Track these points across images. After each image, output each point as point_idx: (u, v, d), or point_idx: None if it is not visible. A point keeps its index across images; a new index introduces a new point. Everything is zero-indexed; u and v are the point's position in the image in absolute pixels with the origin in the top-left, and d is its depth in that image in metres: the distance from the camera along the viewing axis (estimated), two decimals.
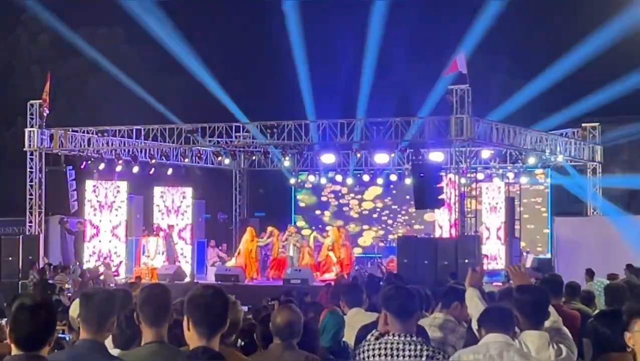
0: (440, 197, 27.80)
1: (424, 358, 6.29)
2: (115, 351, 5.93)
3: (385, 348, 6.42)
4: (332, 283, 26.88)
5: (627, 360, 6.39)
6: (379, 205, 37.36)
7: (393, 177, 34.45)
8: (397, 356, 6.35)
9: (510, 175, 32.96)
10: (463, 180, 28.31)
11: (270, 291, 23.74)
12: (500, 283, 24.56)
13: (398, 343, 6.38)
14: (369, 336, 7.00)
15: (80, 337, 5.59)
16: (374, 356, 6.46)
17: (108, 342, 6.01)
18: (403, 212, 36.93)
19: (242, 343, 9.27)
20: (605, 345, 6.53)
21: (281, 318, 6.90)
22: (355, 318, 8.76)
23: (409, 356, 6.32)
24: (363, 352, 6.60)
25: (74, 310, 6.86)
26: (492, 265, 30.53)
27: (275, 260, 31.87)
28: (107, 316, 5.56)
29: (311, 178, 36.57)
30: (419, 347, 6.33)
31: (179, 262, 32.43)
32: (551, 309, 6.86)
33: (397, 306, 6.50)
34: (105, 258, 31.60)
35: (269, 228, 32.46)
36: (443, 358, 6.30)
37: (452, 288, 8.89)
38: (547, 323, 6.73)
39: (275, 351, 6.94)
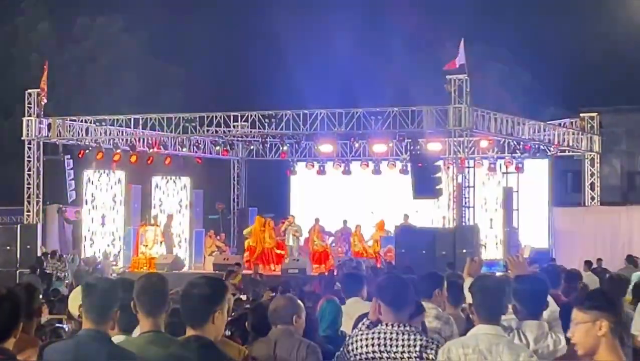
0: (438, 187, 27.82)
1: (417, 348, 6.25)
2: (121, 337, 5.93)
3: (378, 338, 6.38)
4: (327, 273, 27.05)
5: None
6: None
7: (391, 167, 34.42)
8: (390, 346, 6.32)
9: (509, 165, 32.90)
10: (461, 170, 28.31)
11: (268, 281, 23.79)
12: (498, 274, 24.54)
13: (391, 333, 6.34)
14: (359, 325, 6.99)
15: (82, 327, 5.60)
16: (366, 346, 6.43)
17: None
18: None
19: (238, 333, 9.27)
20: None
21: (273, 305, 7.02)
22: (354, 308, 8.74)
23: (402, 346, 6.28)
24: (354, 342, 6.57)
25: (74, 299, 6.86)
26: (490, 255, 30.53)
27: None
28: (110, 306, 5.57)
29: (309, 167, 36.47)
30: (412, 337, 6.30)
31: (175, 248, 32.43)
32: (550, 299, 6.86)
33: (390, 295, 6.48)
34: (107, 247, 31.64)
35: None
36: (437, 348, 6.25)
37: (428, 275, 8.86)
38: (546, 313, 6.72)
39: (272, 337, 7.00)
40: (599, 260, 25.84)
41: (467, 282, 7.87)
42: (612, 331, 4.94)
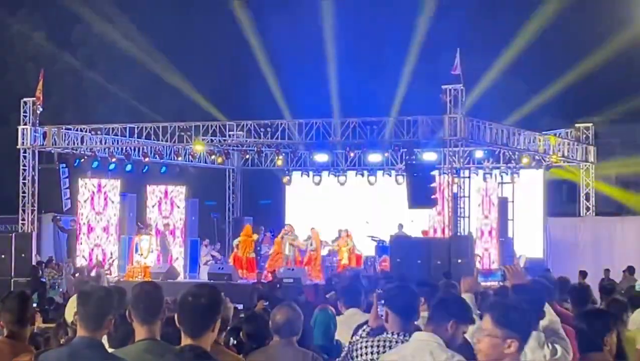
0: (433, 196, 27.84)
1: None
2: (109, 351, 5.92)
3: (383, 346, 6.38)
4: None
5: (605, 359, 6.39)
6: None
7: (387, 177, 34.45)
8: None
9: (504, 175, 32.92)
10: (456, 180, 28.33)
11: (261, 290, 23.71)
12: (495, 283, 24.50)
13: (397, 342, 6.34)
14: (360, 332, 6.97)
15: (77, 334, 5.60)
16: (371, 353, 6.43)
17: (103, 341, 6.01)
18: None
19: (235, 342, 9.26)
20: (586, 345, 6.49)
21: (281, 316, 6.89)
22: (353, 319, 8.70)
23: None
24: (358, 349, 6.56)
25: (71, 306, 6.86)
26: (485, 264, 30.53)
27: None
28: (105, 314, 5.57)
29: (304, 177, 36.44)
30: None
31: (172, 257, 32.39)
32: (549, 309, 6.84)
33: (400, 305, 6.48)
34: (106, 257, 31.59)
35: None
36: None
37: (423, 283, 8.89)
38: (545, 323, 6.70)
39: (274, 348, 6.93)
40: (607, 270, 25.81)
41: (465, 297, 7.86)
42: (519, 350, 5.07)
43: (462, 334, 6.11)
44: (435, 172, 28.61)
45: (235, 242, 32.57)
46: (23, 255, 29.30)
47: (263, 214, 38.43)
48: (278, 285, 24.21)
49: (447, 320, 6.07)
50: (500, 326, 5.04)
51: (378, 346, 6.42)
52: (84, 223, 31.72)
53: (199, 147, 32.04)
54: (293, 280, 28.08)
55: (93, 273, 28.70)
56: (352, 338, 7.25)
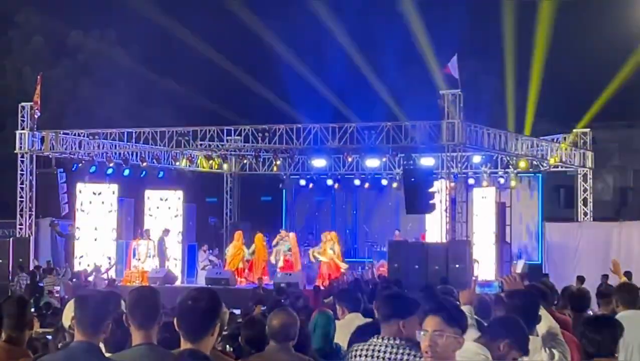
0: (431, 202, 27.83)
1: None
2: (106, 355, 5.92)
3: (368, 350, 6.44)
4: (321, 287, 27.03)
5: None
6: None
7: (384, 182, 34.46)
8: (377, 358, 6.36)
9: (501, 180, 32.92)
10: (454, 185, 28.35)
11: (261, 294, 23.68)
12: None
13: (381, 346, 6.39)
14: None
15: (75, 339, 5.59)
16: (359, 356, 6.48)
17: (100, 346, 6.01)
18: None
19: (231, 349, 9.26)
20: (597, 352, 6.49)
21: (277, 321, 6.89)
22: (354, 323, 8.70)
23: (389, 359, 6.31)
24: (352, 356, 6.60)
25: (68, 312, 6.87)
26: (483, 269, 30.49)
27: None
28: (102, 319, 5.57)
29: (302, 182, 36.44)
30: (400, 350, 6.31)
31: (168, 262, 32.37)
32: (548, 315, 6.85)
33: (383, 309, 6.51)
34: (106, 262, 31.58)
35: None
36: None
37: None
38: (544, 329, 6.70)
39: (270, 353, 6.91)
40: (605, 276, 25.77)
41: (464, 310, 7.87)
42: None
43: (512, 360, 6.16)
44: (432, 177, 28.66)
45: (228, 250, 32.55)
46: (21, 259, 29.27)
47: (262, 218, 38.39)
48: (286, 296, 24.00)
49: (503, 337, 6.17)
50: (452, 325, 5.46)
51: (365, 349, 6.46)
52: (81, 228, 31.69)
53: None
54: (291, 284, 28.06)
55: (90, 278, 28.69)
56: (350, 344, 7.26)
